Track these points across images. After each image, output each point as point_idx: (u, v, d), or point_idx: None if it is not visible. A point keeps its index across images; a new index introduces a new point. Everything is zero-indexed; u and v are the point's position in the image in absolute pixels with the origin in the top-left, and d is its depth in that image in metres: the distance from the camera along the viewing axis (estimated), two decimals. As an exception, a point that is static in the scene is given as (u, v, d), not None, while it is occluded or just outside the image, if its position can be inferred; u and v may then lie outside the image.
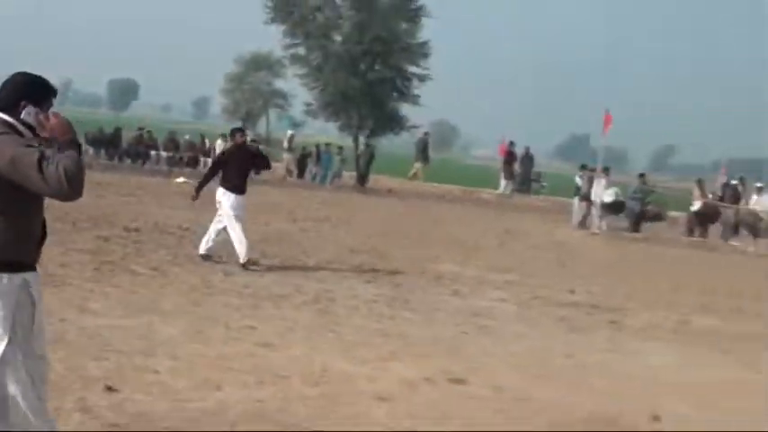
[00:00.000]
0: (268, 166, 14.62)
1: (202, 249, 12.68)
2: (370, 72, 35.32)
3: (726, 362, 9.86)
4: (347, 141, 37.79)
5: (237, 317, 9.29)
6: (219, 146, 36.37)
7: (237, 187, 12.69)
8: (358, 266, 13.77)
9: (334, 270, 13.17)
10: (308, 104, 37.58)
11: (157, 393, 6.35)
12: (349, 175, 36.17)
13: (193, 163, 34.95)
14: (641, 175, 28.83)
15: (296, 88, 44.56)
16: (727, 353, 10.34)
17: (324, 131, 57.20)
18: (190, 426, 5.74)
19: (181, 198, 21.26)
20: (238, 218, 12.54)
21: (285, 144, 36.97)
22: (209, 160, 35.98)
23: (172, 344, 7.82)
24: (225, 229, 12.59)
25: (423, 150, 39.59)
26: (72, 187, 3.83)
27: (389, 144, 59.51)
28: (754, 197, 28.01)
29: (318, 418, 6.19)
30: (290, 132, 38.83)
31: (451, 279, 13.49)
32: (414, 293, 11.91)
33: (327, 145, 37.09)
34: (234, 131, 13.88)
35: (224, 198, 12.60)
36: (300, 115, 47.98)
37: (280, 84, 64.80)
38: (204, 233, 12.90)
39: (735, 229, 27.20)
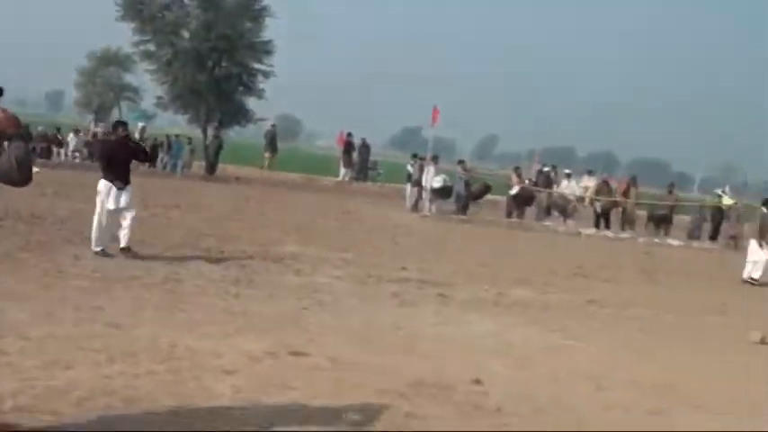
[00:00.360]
0: (147, 159, 14.07)
1: (123, 243, 12.15)
2: (217, 68, 35.02)
3: (539, 329, 10.20)
4: (197, 133, 37.26)
5: (88, 299, 8.98)
6: (72, 139, 35.26)
7: (119, 179, 12.22)
8: (205, 249, 13.55)
9: (182, 253, 12.91)
10: (159, 98, 36.93)
11: (6, 374, 6.06)
12: (198, 165, 35.57)
13: (47, 154, 33.69)
14: (461, 162, 29.40)
15: (146, 82, 43.43)
16: (540, 321, 10.71)
17: (174, 123, 55.83)
18: (37, 403, 5.51)
19: (33, 187, 20.37)
20: (111, 209, 12.08)
21: (137, 135, 35.84)
22: (62, 151, 34.95)
23: (22, 326, 7.47)
24: (126, 216, 12.17)
25: (271, 141, 39.44)
26: (21, 173, 4.22)
27: (239, 135, 58.83)
28: (564, 182, 29.16)
29: (164, 393, 6.06)
30: (141, 124, 37.88)
31: (294, 259, 13.45)
32: (258, 273, 11.82)
33: (177, 136, 36.51)
34: (116, 125, 13.33)
35: (104, 189, 12.13)
36: (151, 108, 46.97)
37: (130, 78, 63.14)
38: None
39: (547, 211, 28.20)
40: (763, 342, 10.77)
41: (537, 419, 6.46)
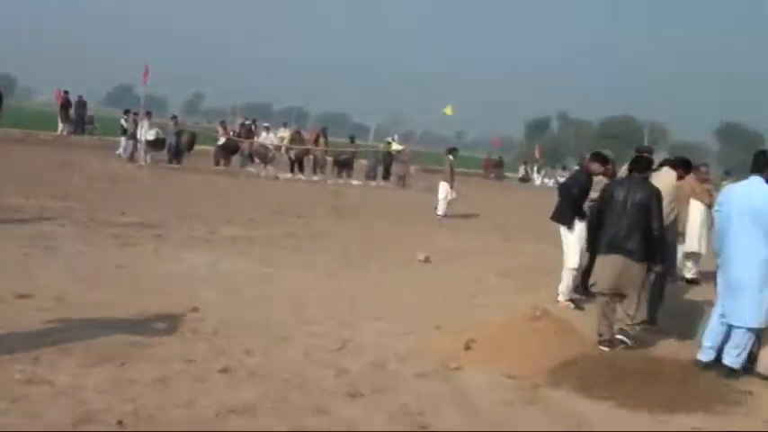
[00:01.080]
0: None
1: None
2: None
3: (246, 260, 10.21)
4: None
5: None
6: None
7: None
8: (-76, 203, 12.09)
9: None
10: None
11: None
12: None
13: None
14: (173, 117, 28.49)
15: None
16: (247, 253, 10.73)
17: None
18: None
19: None
20: None
21: None
22: None
23: None
24: None
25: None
26: None
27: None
28: (263, 134, 29.17)
29: None
30: None
31: (17, 209, 12.35)
32: (-19, 224, 10.74)
33: None
34: None
35: None
36: None
37: None
38: None
39: (250, 159, 28.14)
40: (426, 261, 11.56)
41: (248, 337, 6.49)
